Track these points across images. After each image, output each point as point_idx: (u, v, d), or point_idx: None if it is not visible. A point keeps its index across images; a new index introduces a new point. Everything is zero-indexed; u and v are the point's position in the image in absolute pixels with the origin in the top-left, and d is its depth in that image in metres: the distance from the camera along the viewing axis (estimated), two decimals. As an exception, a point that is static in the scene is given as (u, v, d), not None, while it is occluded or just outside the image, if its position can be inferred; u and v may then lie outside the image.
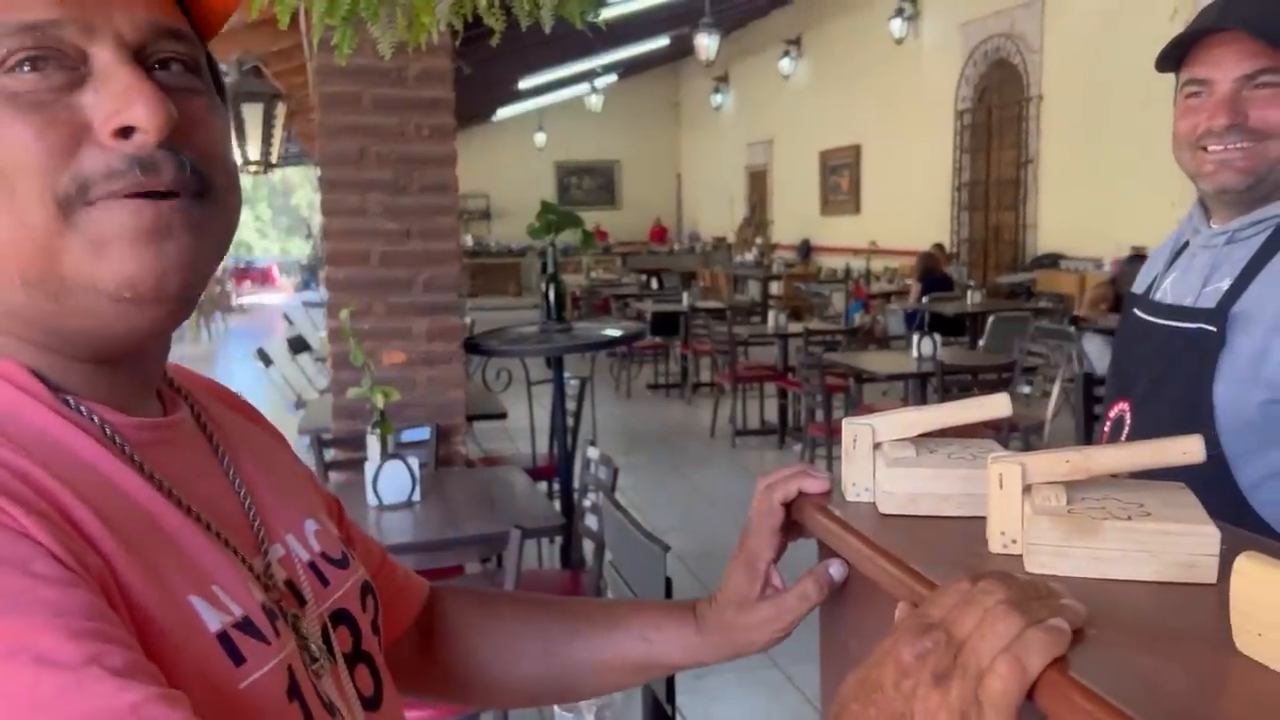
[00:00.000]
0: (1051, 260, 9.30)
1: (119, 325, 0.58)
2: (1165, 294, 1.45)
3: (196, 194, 0.58)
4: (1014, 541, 0.68)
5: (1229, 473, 1.25)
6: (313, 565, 0.69)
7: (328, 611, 0.68)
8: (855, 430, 0.81)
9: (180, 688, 0.49)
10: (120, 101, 0.55)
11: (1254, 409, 1.25)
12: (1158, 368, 1.40)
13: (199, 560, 0.57)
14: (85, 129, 0.55)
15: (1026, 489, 0.67)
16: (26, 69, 0.54)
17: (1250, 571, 0.51)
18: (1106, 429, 1.49)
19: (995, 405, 0.79)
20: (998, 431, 4.33)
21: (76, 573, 0.48)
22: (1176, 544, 0.63)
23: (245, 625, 0.57)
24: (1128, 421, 1.44)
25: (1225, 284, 1.34)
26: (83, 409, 0.58)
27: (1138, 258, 7.05)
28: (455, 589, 0.95)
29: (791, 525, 0.84)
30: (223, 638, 0.55)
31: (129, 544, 0.53)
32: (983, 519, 0.70)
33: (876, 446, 0.81)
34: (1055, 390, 5.83)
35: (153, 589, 0.53)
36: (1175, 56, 1.37)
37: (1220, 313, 1.31)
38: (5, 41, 0.53)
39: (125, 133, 0.55)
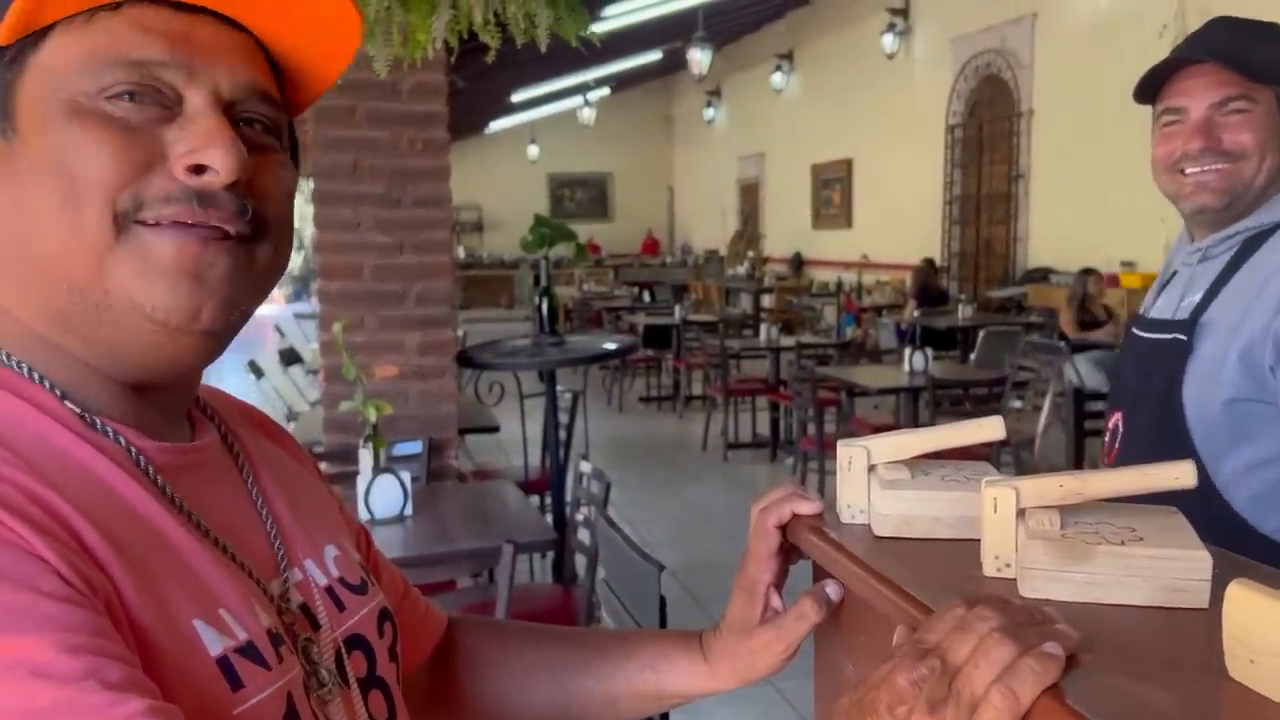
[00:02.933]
0: (1042, 274, 9.34)
1: (151, 349, 0.60)
2: (1156, 311, 1.56)
3: (249, 237, 0.62)
4: (1008, 565, 0.68)
5: (1205, 474, 1.31)
6: (330, 590, 0.71)
7: (342, 636, 0.69)
8: (850, 453, 0.81)
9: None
10: (201, 141, 0.59)
11: (1218, 408, 1.35)
12: (1141, 377, 1.50)
13: (209, 583, 0.59)
14: (160, 157, 0.59)
15: (1020, 513, 0.68)
16: (126, 99, 0.58)
17: (1242, 598, 0.52)
18: (1106, 438, 1.60)
19: (989, 429, 0.80)
20: (989, 447, 4.34)
21: (81, 591, 0.50)
22: (1168, 569, 0.63)
23: (247, 650, 0.58)
24: (1121, 429, 1.54)
25: (1198, 297, 1.45)
26: (109, 431, 0.60)
27: (1086, 272, 7.15)
28: (471, 621, 0.96)
29: (790, 548, 0.85)
30: (222, 662, 0.56)
31: (136, 566, 0.54)
32: (976, 542, 0.71)
33: (871, 469, 0.81)
34: (1046, 405, 5.85)
35: (155, 611, 0.54)
36: (1151, 88, 1.48)
37: (1191, 322, 1.42)
38: (113, 72, 0.58)
39: (198, 170, 0.59)
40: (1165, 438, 1.41)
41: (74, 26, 0.58)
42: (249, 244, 0.62)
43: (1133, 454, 1.48)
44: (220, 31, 0.62)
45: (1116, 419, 1.56)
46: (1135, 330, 1.59)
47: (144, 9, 0.59)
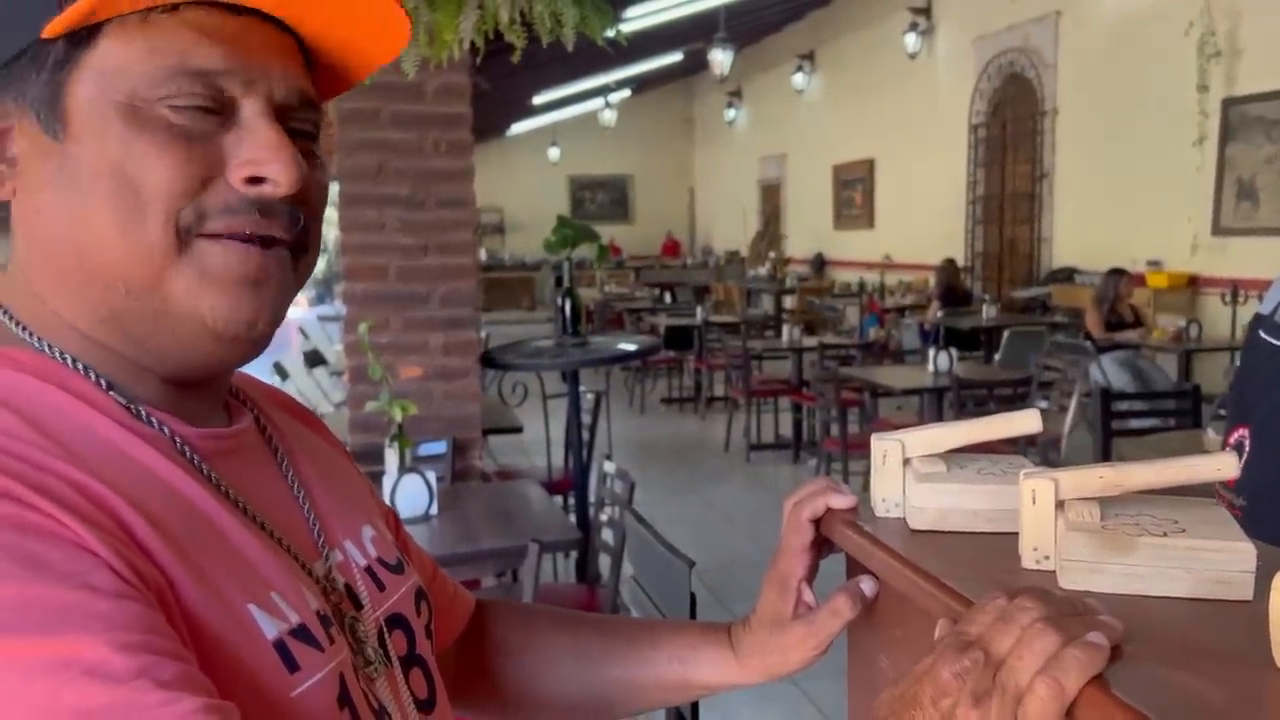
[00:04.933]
0: (1066, 274, 9.27)
1: (201, 355, 0.61)
2: None
3: (297, 247, 0.63)
4: (1047, 558, 0.68)
5: None
6: (369, 570, 0.71)
7: (384, 615, 0.70)
8: (885, 446, 0.81)
9: (233, 697, 0.50)
10: (263, 154, 0.59)
11: None
12: (1276, 391, 1.32)
13: (259, 568, 0.59)
14: (219, 166, 0.59)
15: (1059, 505, 0.67)
16: (188, 109, 0.58)
17: (1290, 589, 0.51)
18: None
19: (1025, 422, 0.79)
20: (1015, 444, 4.31)
21: (133, 585, 0.49)
22: (1211, 560, 0.62)
23: (301, 632, 0.58)
24: (1247, 447, 1.36)
25: None
26: (153, 420, 0.61)
27: (1116, 272, 6.98)
28: (499, 603, 0.96)
29: (822, 542, 0.84)
30: (278, 645, 0.57)
31: (187, 555, 0.54)
32: (1014, 535, 0.70)
33: (906, 462, 0.81)
34: (1072, 405, 5.80)
35: (209, 599, 0.54)
36: None
37: None
38: (176, 81, 0.58)
39: (255, 181, 0.59)
40: None
41: (129, 26, 0.57)
42: (294, 253, 0.63)
43: (1263, 475, 1.28)
44: (270, 34, 0.61)
45: (1241, 434, 1.37)
46: (1265, 335, 1.38)
47: (200, 11, 0.58)
